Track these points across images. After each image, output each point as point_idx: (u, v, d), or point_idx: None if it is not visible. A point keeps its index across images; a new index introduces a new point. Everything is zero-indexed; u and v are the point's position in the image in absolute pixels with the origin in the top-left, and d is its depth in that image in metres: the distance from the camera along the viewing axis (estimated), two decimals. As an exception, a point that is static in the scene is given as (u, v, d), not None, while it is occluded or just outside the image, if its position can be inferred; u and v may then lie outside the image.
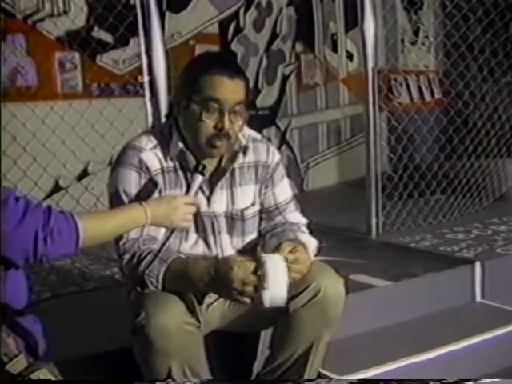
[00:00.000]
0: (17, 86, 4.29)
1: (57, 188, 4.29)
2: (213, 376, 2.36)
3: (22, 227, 1.56)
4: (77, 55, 4.51)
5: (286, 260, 1.98)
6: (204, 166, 2.04)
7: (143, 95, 3.34)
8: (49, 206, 1.66)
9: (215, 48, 5.14)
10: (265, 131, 5.43)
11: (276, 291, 1.93)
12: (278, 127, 5.69)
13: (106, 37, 4.48)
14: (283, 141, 5.70)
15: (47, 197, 4.18)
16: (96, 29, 4.48)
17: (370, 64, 3.73)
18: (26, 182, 3.62)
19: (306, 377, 2.25)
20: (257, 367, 2.44)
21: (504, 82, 4.73)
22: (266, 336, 2.37)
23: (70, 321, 2.66)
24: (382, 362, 2.64)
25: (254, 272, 1.94)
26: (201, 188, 2.11)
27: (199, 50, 5.00)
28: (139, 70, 3.41)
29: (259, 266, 1.93)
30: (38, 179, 3.74)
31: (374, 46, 3.74)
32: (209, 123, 2.06)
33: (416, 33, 6.12)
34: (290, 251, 2.02)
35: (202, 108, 2.05)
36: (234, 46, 5.37)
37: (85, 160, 4.24)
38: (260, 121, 5.28)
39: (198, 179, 2.04)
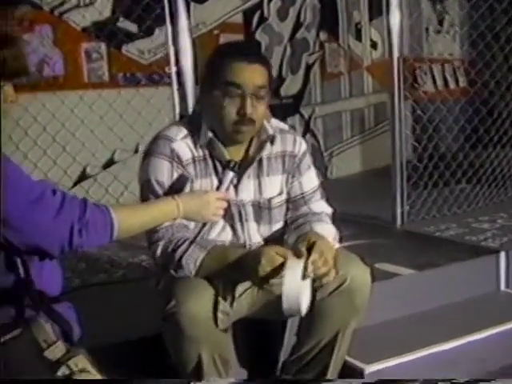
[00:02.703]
0: (44, 77, 4.34)
1: (83, 176, 4.35)
2: (240, 363, 2.41)
3: (59, 219, 1.59)
4: (103, 45, 4.56)
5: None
6: (235, 163, 2.07)
7: (169, 84, 3.38)
8: (84, 198, 1.69)
9: (240, 37, 5.16)
10: (289, 119, 5.45)
11: (290, 300, 1.94)
12: (301, 115, 5.71)
13: (132, 27, 4.52)
14: (307, 129, 5.71)
15: (74, 185, 4.25)
16: (121, 19, 4.51)
17: (396, 53, 3.72)
18: (56, 170, 3.67)
19: (332, 364, 2.28)
20: (283, 355, 2.46)
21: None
22: (292, 323, 2.39)
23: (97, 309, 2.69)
24: (406, 351, 2.65)
25: (280, 266, 1.97)
26: None
27: (223, 39, 5.02)
28: (164, 59, 3.44)
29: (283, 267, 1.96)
30: (67, 168, 3.79)
31: (400, 36, 3.73)
32: (231, 109, 2.09)
33: (441, 22, 6.09)
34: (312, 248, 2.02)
35: (223, 94, 2.08)
36: (258, 36, 5.39)
37: (113, 149, 4.28)
38: (284, 109, 5.30)
39: (230, 175, 2.08)
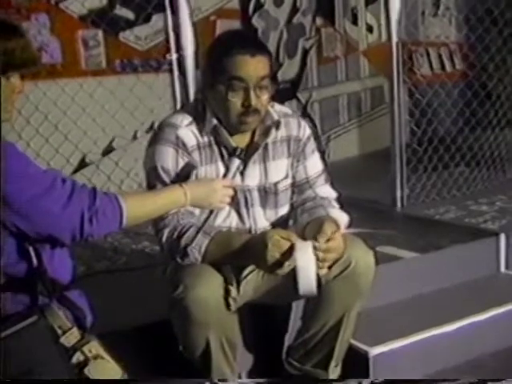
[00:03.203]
0: (43, 65, 4.33)
1: (83, 164, 4.35)
2: (246, 347, 2.43)
3: (69, 208, 1.61)
4: (100, 32, 4.54)
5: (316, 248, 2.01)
6: (241, 150, 2.10)
7: (169, 70, 3.37)
8: (94, 187, 1.71)
9: (236, 23, 5.14)
10: (286, 104, 5.43)
11: (305, 282, 1.97)
12: (298, 100, 5.71)
13: (128, 14, 4.51)
14: (304, 113, 5.71)
15: (74, 172, 4.25)
16: (118, 6, 4.50)
17: (395, 38, 3.73)
18: (58, 159, 3.68)
19: (337, 347, 2.30)
20: (289, 339, 2.48)
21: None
22: (297, 308, 2.41)
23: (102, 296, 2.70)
24: (409, 333, 2.68)
25: (288, 249, 1.98)
26: None
27: (220, 25, 5.00)
28: (162, 45, 3.43)
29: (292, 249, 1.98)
30: (69, 156, 3.79)
31: (398, 20, 3.73)
32: (236, 101, 2.10)
33: (437, 5, 6.09)
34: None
35: (227, 88, 2.10)
36: (254, 21, 5.36)
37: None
38: (281, 94, 5.28)
39: (236, 163, 2.10)
